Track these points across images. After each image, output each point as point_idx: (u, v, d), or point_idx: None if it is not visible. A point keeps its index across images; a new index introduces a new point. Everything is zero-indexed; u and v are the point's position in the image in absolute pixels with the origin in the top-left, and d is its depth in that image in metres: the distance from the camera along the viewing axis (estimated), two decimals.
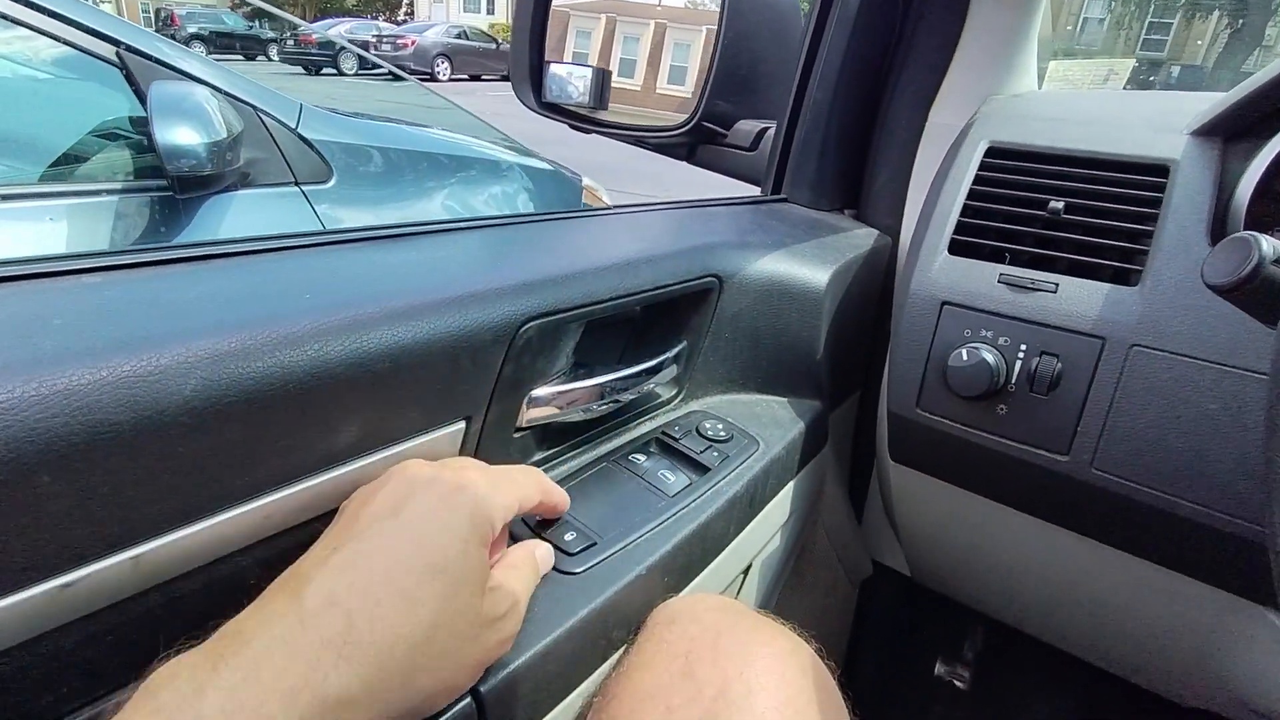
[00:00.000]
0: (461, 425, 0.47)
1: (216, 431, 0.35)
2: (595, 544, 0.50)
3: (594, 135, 1.05)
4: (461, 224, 0.60)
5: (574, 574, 0.48)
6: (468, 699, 0.39)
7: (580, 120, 0.99)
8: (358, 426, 0.41)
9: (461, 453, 0.48)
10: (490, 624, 0.37)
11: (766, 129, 0.93)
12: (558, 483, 0.56)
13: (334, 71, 14.82)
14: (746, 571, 0.69)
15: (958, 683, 0.99)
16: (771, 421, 0.69)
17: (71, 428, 0.30)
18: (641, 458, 0.60)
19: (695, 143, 0.97)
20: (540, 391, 0.54)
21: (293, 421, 0.38)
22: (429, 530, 0.35)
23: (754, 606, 0.71)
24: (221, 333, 0.36)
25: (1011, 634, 0.92)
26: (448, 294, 0.45)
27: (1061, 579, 0.74)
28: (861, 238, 0.81)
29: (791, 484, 0.70)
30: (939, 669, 1.00)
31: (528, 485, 0.44)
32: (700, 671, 0.41)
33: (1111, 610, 0.73)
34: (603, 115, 1.00)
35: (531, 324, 0.49)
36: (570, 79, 0.98)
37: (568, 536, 0.50)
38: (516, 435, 0.53)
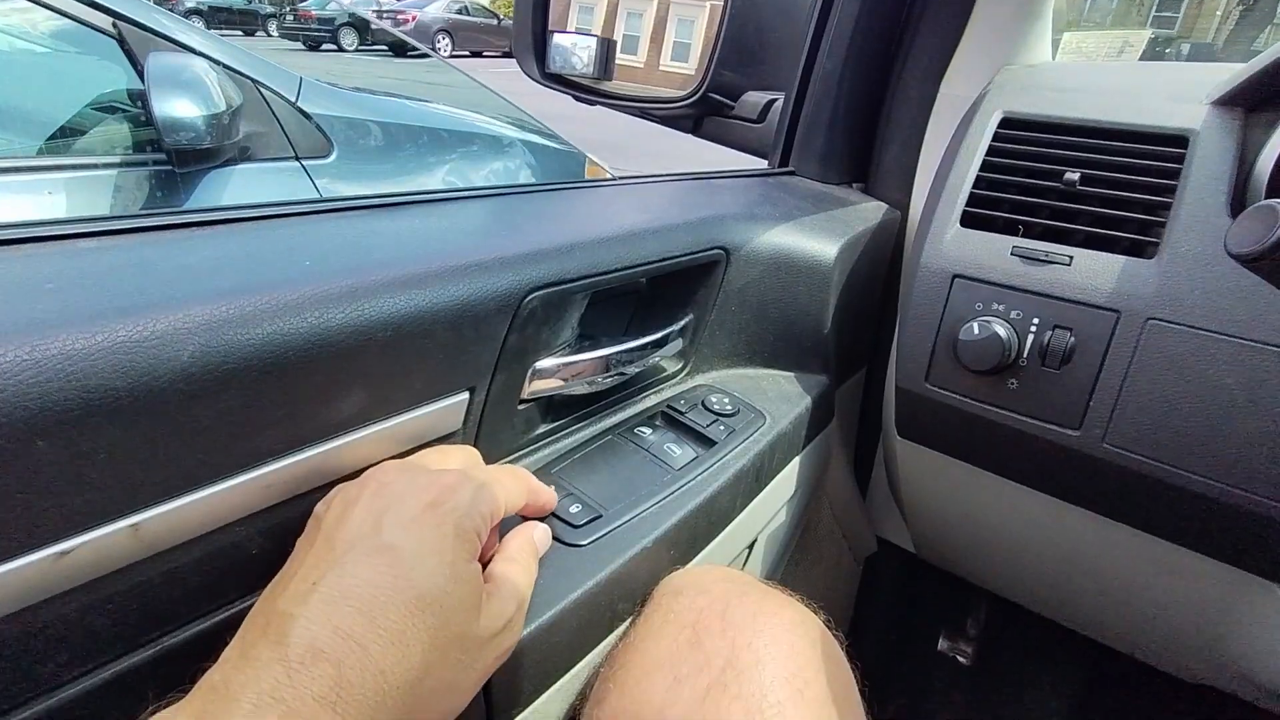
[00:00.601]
0: (464, 396, 0.47)
1: (215, 399, 0.34)
2: (600, 516, 0.50)
3: (607, 110, 1.04)
4: (465, 193, 0.59)
5: (579, 546, 0.47)
6: None
7: (584, 91, 0.97)
8: (359, 396, 0.40)
9: (465, 424, 0.48)
10: (489, 640, 0.36)
11: (774, 100, 0.91)
12: (561, 456, 0.56)
13: (334, 47, 14.66)
14: (752, 546, 0.68)
15: (960, 659, 0.99)
16: (778, 396, 0.68)
17: (67, 393, 0.29)
18: (647, 431, 0.60)
19: (701, 115, 0.95)
20: (544, 363, 0.53)
21: (293, 390, 0.37)
22: (413, 555, 0.33)
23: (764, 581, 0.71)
24: (219, 299, 0.35)
25: (1015, 610, 0.91)
26: (451, 263, 0.44)
27: (1068, 556, 0.73)
28: (870, 211, 0.80)
29: (797, 459, 0.69)
30: (942, 645, 1.00)
31: (513, 488, 0.42)
32: (708, 642, 0.41)
33: (1118, 586, 0.72)
34: (607, 86, 0.98)
35: (536, 294, 0.48)
36: (574, 49, 0.96)
37: (573, 509, 0.50)
38: (521, 407, 0.52)
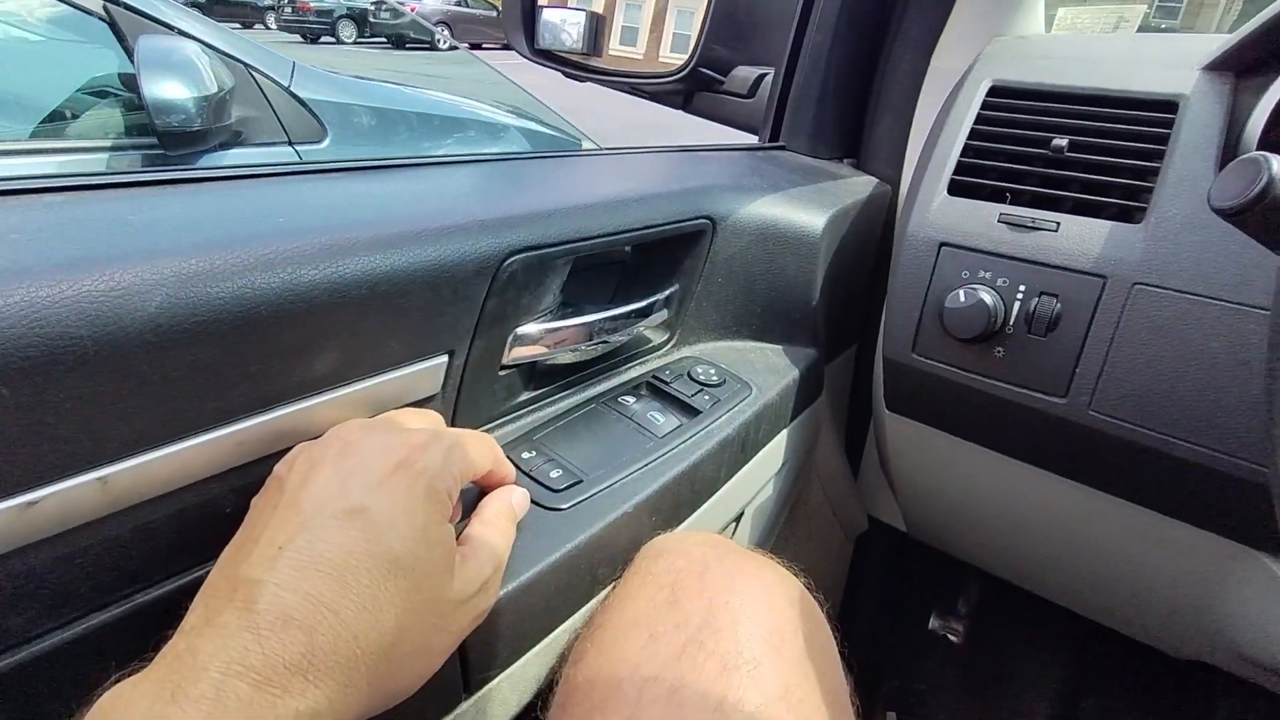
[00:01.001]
0: (443, 359, 0.46)
1: (185, 352, 0.34)
2: (581, 481, 0.50)
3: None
4: (449, 159, 0.59)
5: (559, 510, 0.47)
6: None
7: (573, 67, 0.97)
8: (335, 355, 0.40)
9: (444, 388, 0.48)
10: (463, 603, 0.35)
11: (765, 75, 0.90)
12: (545, 423, 0.55)
13: (333, 40, 14.63)
14: (739, 519, 0.68)
15: (952, 637, 0.99)
16: (765, 368, 0.67)
17: (30, 340, 0.29)
18: (631, 400, 0.59)
19: (691, 90, 0.94)
20: (526, 329, 0.53)
21: (266, 346, 0.37)
22: (384, 517, 0.32)
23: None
24: (189, 252, 0.34)
25: (1007, 589, 0.91)
26: (429, 224, 0.44)
27: (1057, 530, 0.73)
28: (860, 185, 0.79)
29: (785, 432, 0.69)
30: (933, 623, 1.00)
31: (481, 453, 0.40)
32: (686, 601, 0.41)
33: (1108, 561, 0.72)
34: (596, 62, 0.97)
35: (516, 258, 0.48)
36: (564, 25, 0.95)
37: (553, 474, 0.49)
38: (502, 373, 0.52)
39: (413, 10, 14.50)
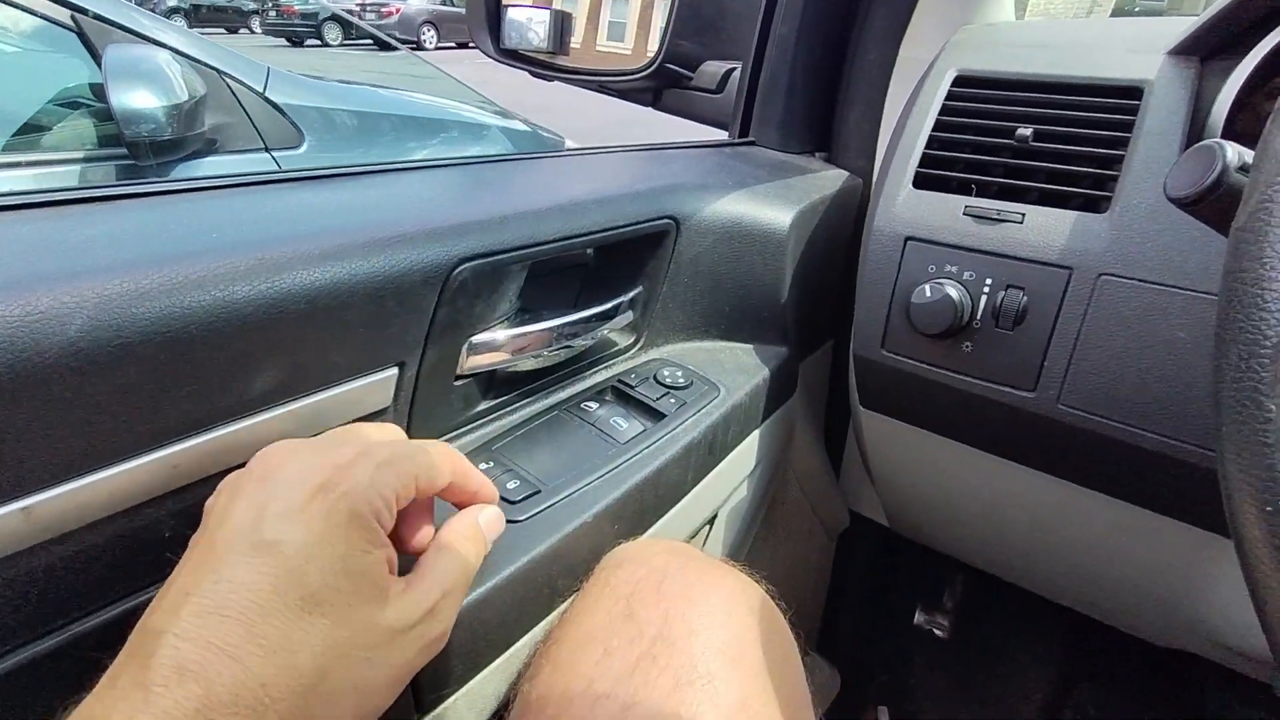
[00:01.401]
0: (393, 372, 0.45)
1: (109, 376, 0.33)
2: (539, 492, 0.49)
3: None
4: (402, 165, 0.57)
5: (516, 522, 0.46)
6: None
7: (540, 66, 0.95)
8: (275, 372, 0.39)
9: (395, 400, 0.47)
10: (403, 633, 0.32)
11: (733, 70, 0.89)
12: (504, 433, 0.54)
13: (318, 42, 14.56)
14: (712, 522, 0.67)
15: (937, 631, 0.99)
16: (735, 368, 0.67)
17: None
18: (594, 405, 0.58)
19: (660, 87, 0.93)
20: (481, 337, 0.52)
21: (199, 366, 0.36)
22: (298, 550, 0.29)
23: (721, 557, 0.70)
24: (112, 273, 0.33)
25: (991, 582, 0.91)
26: (374, 235, 0.43)
27: (1035, 523, 0.73)
28: (830, 179, 0.78)
29: (756, 432, 0.68)
30: (918, 618, 1.00)
31: (436, 466, 0.36)
32: (642, 613, 0.40)
33: (1086, 553, 0.71)
34: (563, 61, 0.96)
35: (466, 266, 0.47)
36: (530, 24, 0.94)
37: (510, 485, 0.49)
38: (458, 383, 0.51)
39: (397, 11, 14.42)
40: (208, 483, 0.39)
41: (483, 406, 0.55)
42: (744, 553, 0.76)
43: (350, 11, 14.39)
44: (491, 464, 0.50)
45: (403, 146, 1.97)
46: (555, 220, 0.54)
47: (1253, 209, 0.28)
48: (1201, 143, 0.38)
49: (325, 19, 14.33)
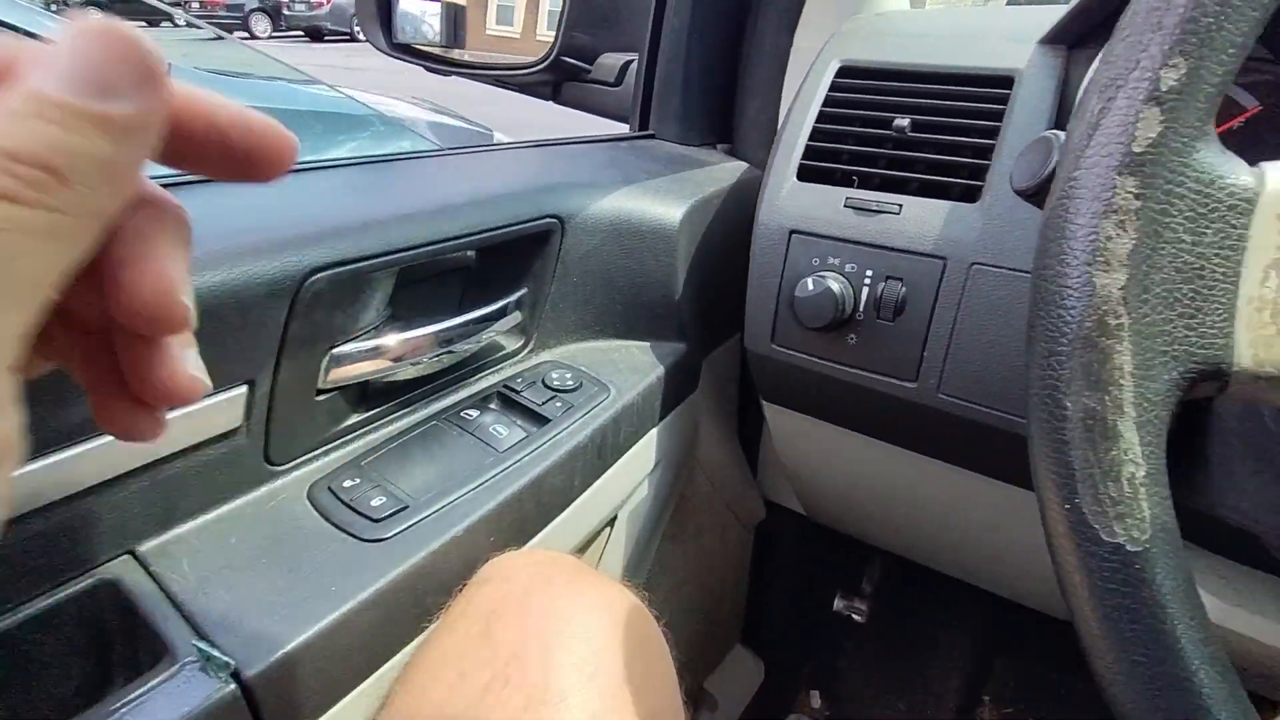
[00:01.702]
0: (242, 390, 0.43)
1: None
2: (406, 508, 0.47)
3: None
4: None
5: (379, 541, 0.45)
6: (232, 685, 0.36)
7: (435, 61, 0.92)
8: None
9: (248, 419, 0.44)
10: None
11: (631, 62, 0.88)
12: (376, 447, 0.52)
13: (246, 35, 14.05)
14: (613, 525, 0.66)
15: (856, 616, 1.00)
16: (629, 367, 0.66)
17: None
18: (475, 413, 0.57)
19: (558, 80, 0.91)
20: (346, 348, 0.49)
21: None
22: None
23: (624, 559, 0.69)
24: None
25: (909, 565, 0.92)
26: (209, 247, 0.40)
27: (935, 507, 0.74)
28: (728, 172, 0.78)
29: (654, 431, 0.67)
30: (838, 605, 1.01)
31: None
32: (499, 633, 0.39)
33: (982, 535, 0.73)
34: (458, 55, 0.93)
35: (320, 276, 0.45)
36: (423, 17, 0.91)
37: (375, 502, 0.47)
38: (320, 398, 0.49)
39: (329, 2, 14.00)
40: (30, 518, 0.36)
41: (353, 420, 0.52)
42: (652, 551, 0.75)
43: (279, 3, 13.92)
44: (358, 480, 0.48)
45: (314, 145, 1.90)
46: (425, 224, 0.52)
47: (1054, 204, 0.27)
48: (1042, 134, 0.38)
49: (252, 10, 13.83)
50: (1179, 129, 0.25)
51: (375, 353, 0.51)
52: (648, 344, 0.69)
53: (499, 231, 0.57)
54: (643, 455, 0.66)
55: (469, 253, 0.60)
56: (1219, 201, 0.26)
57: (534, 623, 0.39)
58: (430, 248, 0.52)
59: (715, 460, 0.83)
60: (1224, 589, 0.57)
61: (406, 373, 0.55)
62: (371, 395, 0.54)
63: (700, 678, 0.97)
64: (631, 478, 0.66)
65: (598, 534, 0.66)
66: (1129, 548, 0.26)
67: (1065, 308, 0.26)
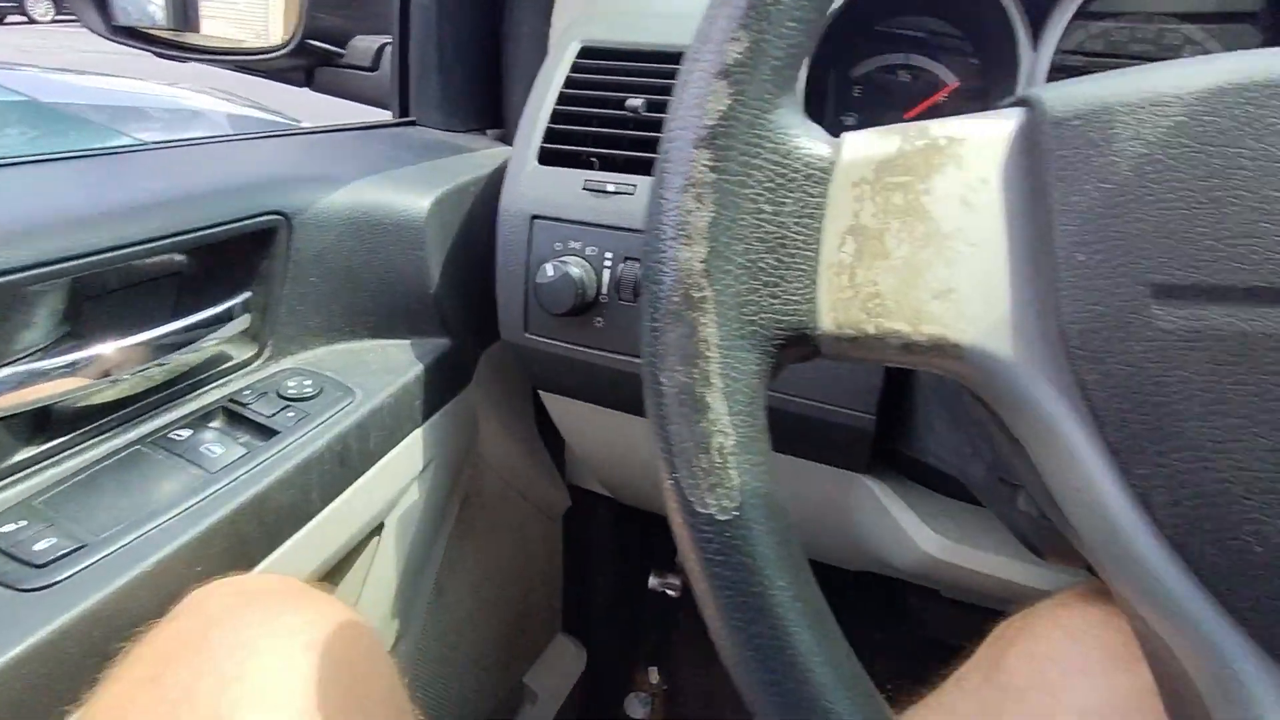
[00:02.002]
0: None
1: None
2: (83, 547, 0.42)
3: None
4: None
5: (39, 589, 0.39)
6: None
7: (165, 46, 0.84)
8: None
9: None
10: None
11: (386, 45, 0.84)
12: (58, 483, 0.46)
13: (23, 19, 12.43)
14: (380, 534, 0.63)
15: (670, 592, 1.02)
16: (382, 368, 0.62)
17: None
18: (187, 433, 0.52)
19: (310, 66, 0.85)
20: (2, 373, 0.43)
21: None
22: None
23: (400, 567, 0.66)
24: None
25: None
26: None
27: None
28: (490, 158, 0.75)
29: (419, 431, 0.65)
30: (653, 582, 1.03)
31: None
32: (169, 677, 0.35)
33: None
34: (191, 39, 0.85)
35: None
36: None
37: (39, 545, 0.41)
38: None
39: None
40: None
41: (26, 455, 0.46)
42: (438, 554, 0.73)
43: None
44: (24, 523, 0.43)
45: (80, 139, 1.70)
46: (104, 228, 0.46)
47: (652, 181, 0.27)
48: None
49: None
50: (747, 101, 0.26)
51: (46, 376, 0.45)
52: (406, 342, 0.66)
53: (205, 232, 0.52)
54: (406, 458, 0.63)
55: (176, 256, 0.54)
56: (796, 171, 0.27)
57: (210, 662, 0.36)
58: (115, 253, 0.46)
59: (503, 454, 0.81)
60: (950, 527, 0.62)
61: (105, 394, 0.50)
62: (56, 423, 0.48)
63: (520, 672, 0.96)
64: (395, 483, 0.63)
65: (363, 545, 0.62)
66: (719, 517, 0.26)
67: (658, 283, 0.26)
